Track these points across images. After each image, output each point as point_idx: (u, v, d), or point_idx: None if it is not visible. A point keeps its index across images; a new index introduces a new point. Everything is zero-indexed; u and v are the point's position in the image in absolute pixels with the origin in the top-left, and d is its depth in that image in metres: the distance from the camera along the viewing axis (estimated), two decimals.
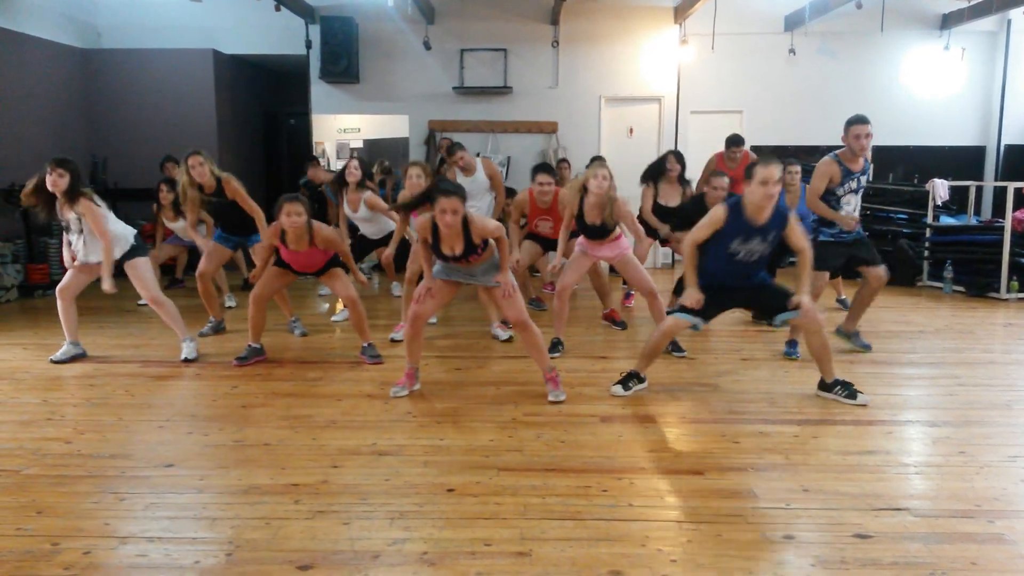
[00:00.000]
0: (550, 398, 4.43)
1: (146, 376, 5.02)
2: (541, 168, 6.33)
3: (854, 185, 5.21)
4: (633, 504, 3.10)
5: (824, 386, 4.50)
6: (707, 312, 4.41)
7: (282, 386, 4.80)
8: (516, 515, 2.99)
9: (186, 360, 5.29)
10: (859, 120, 5.09)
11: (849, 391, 4.41)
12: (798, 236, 4.28)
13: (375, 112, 10.43)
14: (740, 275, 4.37)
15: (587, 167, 5.37)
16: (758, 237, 4.22)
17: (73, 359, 5.34)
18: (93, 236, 5.14)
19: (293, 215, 4.87)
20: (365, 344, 5.41)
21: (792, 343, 5.44)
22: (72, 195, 5.03)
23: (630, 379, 4.60)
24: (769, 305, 4.49)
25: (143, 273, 5.27)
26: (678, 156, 7.02)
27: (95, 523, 2.93)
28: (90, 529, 2.88)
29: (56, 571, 2.58)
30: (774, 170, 4.03)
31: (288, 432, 3.95)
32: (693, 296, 4.31)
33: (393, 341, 5.89)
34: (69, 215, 5.12)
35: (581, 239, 5.62)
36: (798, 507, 3.07)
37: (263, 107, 11.78)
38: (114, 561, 2.65)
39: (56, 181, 4.97)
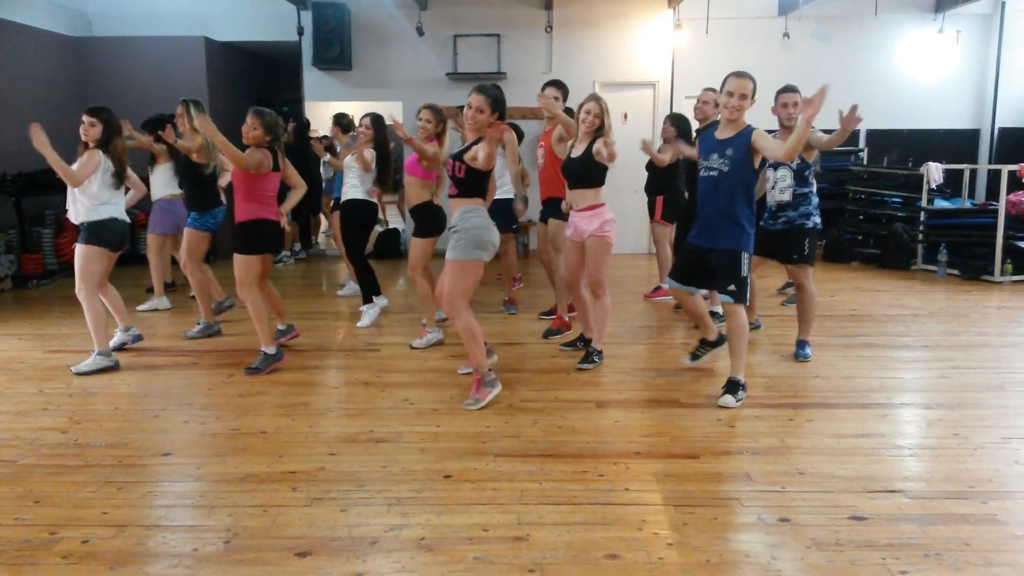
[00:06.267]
0: (465, 403, 4.14)
1: (142, 365, 5.01)
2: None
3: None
4: (629, 488, 3.12)
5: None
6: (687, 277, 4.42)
7: (278, 374, 4.79)
8: (513, 500, 3.01)
9: (78, 373, 4.80)
10: (787, 89, 5.08)
11: (727, 390, 4.17)
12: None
13: (368, 99, 10.35)
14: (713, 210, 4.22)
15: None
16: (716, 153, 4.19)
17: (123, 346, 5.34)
18: (85, 191, 4.83)
19: (247, 124, 4.84)
20: (263, 349, 4.97)
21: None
22: (104, 145, 4.84)
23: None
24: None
25: (83, 262, 4.85)
26: (671, 118, 6.78)
27: (93, 512, 2.93)
28: (88, 518, 2.88)
29: (55, 560, 2.59)
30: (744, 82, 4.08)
31: (285, 420, 3.96)
32: None
33: (413, 348, 5.41)
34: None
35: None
36: (793, 490, 3.09)
37: (256, 95, 11.70)
38: (112, 549, 2.65)
39: (87, 130, 4.83)
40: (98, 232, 4.88)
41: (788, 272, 5.24)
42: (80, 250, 4.87)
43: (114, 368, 4.90)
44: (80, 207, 4.86)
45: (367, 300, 6.22)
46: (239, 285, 4.86)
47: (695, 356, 4.79)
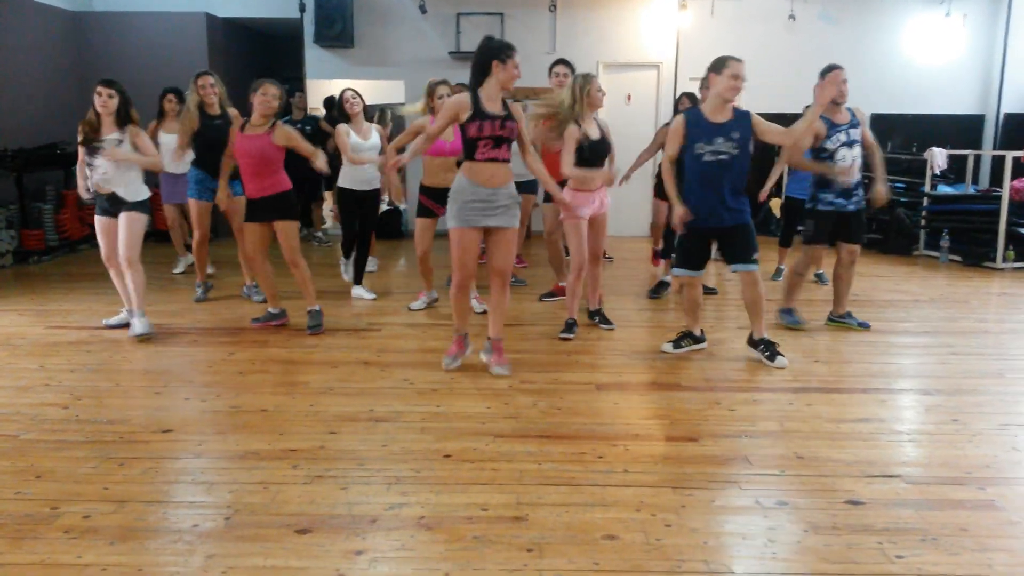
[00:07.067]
0: (494, 371, 4.35)
1: (143, 342, 5.01)
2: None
3: (844, 138, 5.05)
4: (628, 470, 3.13)
5: (751, 342, 4.69)
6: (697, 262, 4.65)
7: (278, 353, 4.80)
8: (512, 481, 3.02)
9: (138, 336, 5.00)
10: (835, 67, 5.05)
11: (771, 351, 4.55)
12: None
13: (370, 78, 10.28)
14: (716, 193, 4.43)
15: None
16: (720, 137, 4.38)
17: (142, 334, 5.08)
18: (119, 167, 4.90)
19: (269, 95, 4.97)
20: (311, 309, 5.28)
21: (788, 311, 5.45)
22: (123, 117, 4.89)
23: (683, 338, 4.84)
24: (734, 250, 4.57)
25: (137, 230, 5.00)
26: (688, 97, 6.74)
27: (94, 487, 2.95)
28: (89, 493, 2.90)
29: (56, 534, 2.60)
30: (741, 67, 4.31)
31: (285, 398, 3.97)
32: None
33: (411, 310, 5.89)
34: (109, 135, 4.87)
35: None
36: (791, 474, 3.11)
37: (257, 72, 11.62)
38: (113, 525, 2.67)
39: (106, 102, 4.83)
40: (145, 202, 5.08)
41: (851, 252, 5.26)
42: (131, 219, 5.00)
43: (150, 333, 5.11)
44: (130, 184, 4.98)
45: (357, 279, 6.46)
46: (293, 252, 5.15)
47: (677, 345, 4.83)
